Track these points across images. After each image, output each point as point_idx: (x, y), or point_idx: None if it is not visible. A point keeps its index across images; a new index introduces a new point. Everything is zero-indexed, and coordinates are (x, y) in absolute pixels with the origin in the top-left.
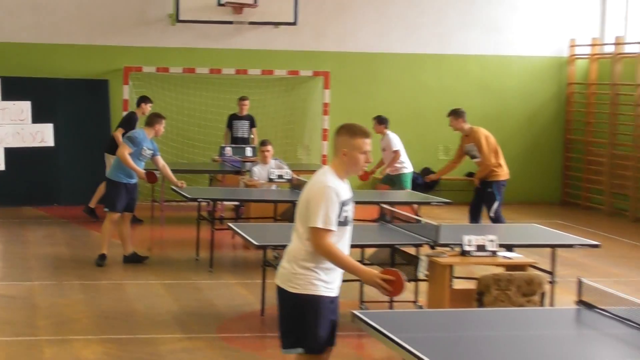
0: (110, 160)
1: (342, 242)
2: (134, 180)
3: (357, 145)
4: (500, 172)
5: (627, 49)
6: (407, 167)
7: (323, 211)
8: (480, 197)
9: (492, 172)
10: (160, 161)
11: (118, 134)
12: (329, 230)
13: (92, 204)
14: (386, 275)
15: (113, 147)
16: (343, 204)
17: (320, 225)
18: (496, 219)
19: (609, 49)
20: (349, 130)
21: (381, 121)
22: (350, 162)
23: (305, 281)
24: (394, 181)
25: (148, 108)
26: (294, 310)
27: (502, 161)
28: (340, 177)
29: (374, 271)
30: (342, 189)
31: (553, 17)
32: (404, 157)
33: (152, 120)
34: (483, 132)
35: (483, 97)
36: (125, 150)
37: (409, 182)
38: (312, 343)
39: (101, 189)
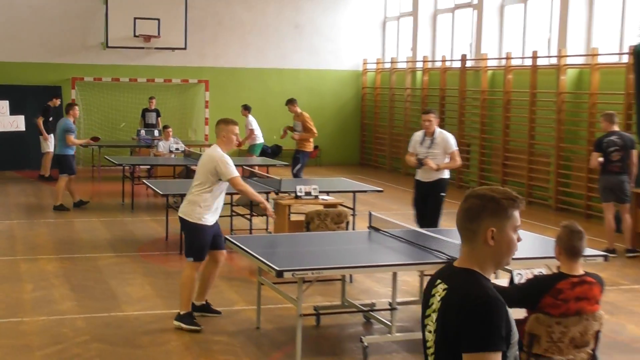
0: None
1: (224, 190)
2: (72, 151)
3: (230, 130)
4: (307, 146)
5: (399, 65)
6: (258, 139)
7: (232, 168)
8: (294, 160)
9: (303, 144)
10: None
11: (39, 121)
12: (237, 176)
13: (46, 173)
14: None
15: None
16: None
17: (235, 175)
18: (295, 176)
19: (387, 65)
20: (225, 122)
21: (245, 108)
22: (227, 142)
23: (196, 215)
24: (251, 150)
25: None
26: (188, 233)
27: (311, 139)
28: (224, 151)
29: (269, 207)
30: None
31: (352, 44)
32: (257, 132)
33: (69, 108)
34: (307, 115)
35: (309, 97)
36: (72, 137)
37: (258, 151)
38: (196, 254)
39: (46, 160)
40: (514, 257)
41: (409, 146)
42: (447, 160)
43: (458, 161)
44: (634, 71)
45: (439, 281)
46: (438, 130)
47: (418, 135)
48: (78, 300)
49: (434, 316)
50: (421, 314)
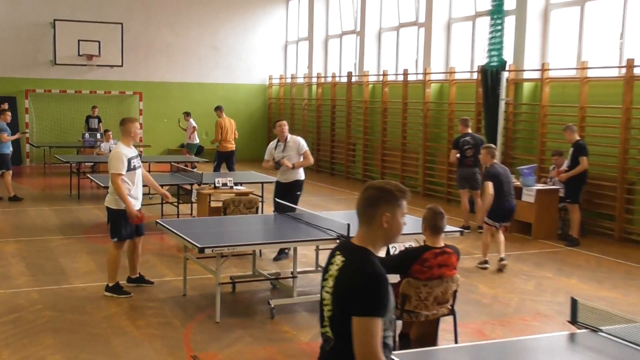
0: None
1: (136, 179)
2: (8, 150)
3: (132, 128)
4: (222, 146)
5: (298, 80)
6: (194, 140)
7: (117, 164)
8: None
9: (221, 146)
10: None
11: None
12: (119, 174)
13: None
14: (138, 213)
15: None
16: (130, 159)
17: (115, 171)
18: (216, 170)
19: (288, 80)
20: (129, 120)
21: (187, 114)
22: (130, 137)
23: (115, 202)
24: (190, 148)
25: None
26: (111, 218)
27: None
28: (128, 146)
29: (134, 210)
30: (129, 151)
31: (260, 63)
32: (194, 134)
33: (0, 113)
34: (218, 123)
35: (225, 106)
36: (5, 135)
37: (194, 149)
38: (119, 235)
39: None
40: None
41: (265, 154)
42: (301, 159)
43: (310, 159)
44: (482, 85)
45: (338, 253)
46: (289, 135)
47: (272, 143)
48: (32, 275)
49: (331, 281)
50: (321, 277)
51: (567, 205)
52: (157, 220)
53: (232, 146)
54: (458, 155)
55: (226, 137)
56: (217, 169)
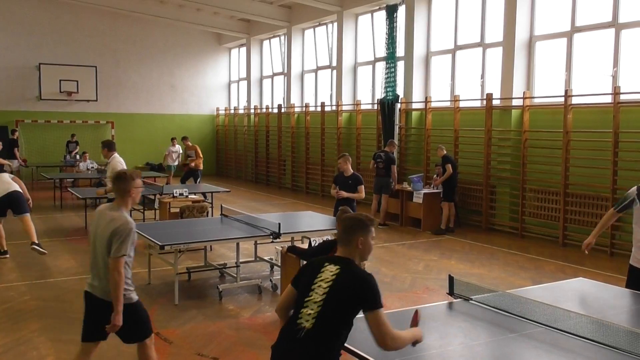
0: None
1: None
2: None
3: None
4: (201, 165)
5: (240, 111)
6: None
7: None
8: (187, 174)
9: (198, 164)
10: None
11: None
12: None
13: None
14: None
15: None
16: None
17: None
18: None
19: (232, 111)
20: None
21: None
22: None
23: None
24: (169, 168)
25: None
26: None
27: (200, 160)
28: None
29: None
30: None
31: (209, 97)
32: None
33: None
34: (196, 146)
35: (181, 133)
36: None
37: (172, 169)
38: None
39: None
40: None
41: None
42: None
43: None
44: (381, 114)
45: (326, 263)
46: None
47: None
48: (21, 272)
49: (324, 284)
50: (304, 280)
51: (442, 203)
52: None
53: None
54: (374, 166)
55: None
56: (183, 181)
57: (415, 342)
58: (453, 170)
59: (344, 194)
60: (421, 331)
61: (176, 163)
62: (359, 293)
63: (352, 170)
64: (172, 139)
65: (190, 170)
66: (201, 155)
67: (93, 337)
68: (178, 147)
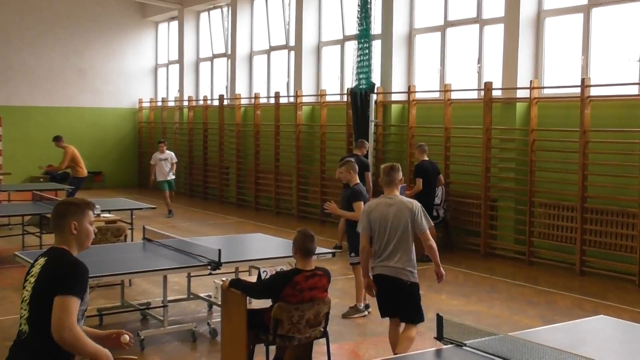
0: None
1: None
2: None
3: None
4: (79, 172)
5: (169, 104)
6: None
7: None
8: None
9: (76, 171)
10: None
11: None
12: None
13: None
14: None
15: None
16: None
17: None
18: (70, 195)
19: (159, 104)
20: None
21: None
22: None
23: None
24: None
25: None
26: None
27: (82, 165)
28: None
29: None
30: None
31: (129, 86)
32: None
33: None
34: (72, 148)
35: (93, 131)
36: None
37: (165, 186)
38: None
39: None
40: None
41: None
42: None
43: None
44: (352, 107)
45: (40, 257)
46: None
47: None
48: None
49: (32, 279)
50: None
51: None
52: (17, 253)
53: (85, 172)
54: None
55: (81, 164)
56: (72, 195)
57: None
58: (424, 187)
59: (333, 207)
60: (108, 355)
61: (171, 177)
62: (55, 277)
63: (357, 181)
64: (160, 143)
65: (83, 178)
66: (75, 160)
67: None
68: (170, 154)
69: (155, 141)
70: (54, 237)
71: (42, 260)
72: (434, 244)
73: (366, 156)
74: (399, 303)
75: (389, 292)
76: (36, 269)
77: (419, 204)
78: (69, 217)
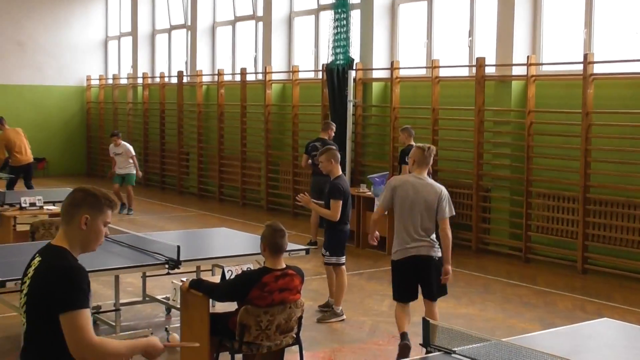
0: None
1: None
2: None
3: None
4: (16, 159)
5: (121, 81)
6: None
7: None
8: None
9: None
10: None
11: None
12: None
13: None
14: None
15: None
16: None
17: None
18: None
19: (110, 81)
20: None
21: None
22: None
23: None
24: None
25: None
26: None
27: (22, 151)
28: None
29: None
30: None
31: (76, 61)
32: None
33: None
34: (7, 132)
35: (34, 112)
36: None
37: (119, 180)
38: None
39: None
40: (226, 255)
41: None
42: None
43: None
44: (328, 86)
45: (37, 255)
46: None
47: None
48: None
49: (28, 282)
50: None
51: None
52: None
53: (28, 159)
54: (310, 161)
55: (20, 150)
56: (11, 186)
57: (148, 355)
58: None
59: (307, 200)
60: (153, 341)
61: (130, 172)
62: (48, 291)
63: (339, 173)
64: (113, 136)
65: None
66: (10, 147)
67: None
68: (125, 147)
69: (106, 123)
70: (60, 228)
71: (36, 261)
72: (450, 234)
73: (334, 140)
74: (430, 281)
75: (421, 274)
76: (30, 271)
77: (446, 191)
78: (83, 209)
